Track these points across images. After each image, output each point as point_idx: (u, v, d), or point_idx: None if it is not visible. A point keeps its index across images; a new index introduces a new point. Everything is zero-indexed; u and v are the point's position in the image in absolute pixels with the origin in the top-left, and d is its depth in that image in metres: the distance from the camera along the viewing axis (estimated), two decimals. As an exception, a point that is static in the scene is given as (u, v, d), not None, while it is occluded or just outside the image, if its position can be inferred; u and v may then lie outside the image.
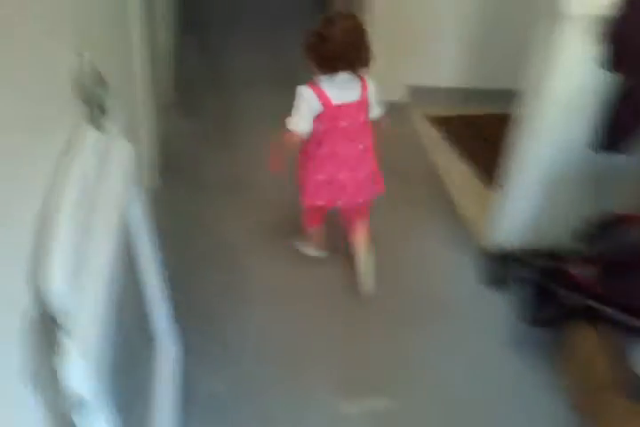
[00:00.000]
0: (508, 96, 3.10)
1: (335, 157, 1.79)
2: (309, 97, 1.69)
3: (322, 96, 1.70)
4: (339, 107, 1.72)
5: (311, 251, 2.09)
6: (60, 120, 1.01)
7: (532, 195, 1.96)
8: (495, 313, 1.91)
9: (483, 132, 2.90)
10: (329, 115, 1.72)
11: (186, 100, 3.05)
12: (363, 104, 1.77)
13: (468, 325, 1.89)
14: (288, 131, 1.73)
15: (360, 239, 1.96)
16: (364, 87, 1.76)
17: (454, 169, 2.64)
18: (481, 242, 2.16)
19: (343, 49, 1.66)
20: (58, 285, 0.76)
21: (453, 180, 2.57)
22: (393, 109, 3.04)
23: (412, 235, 2.26)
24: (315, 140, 1.77)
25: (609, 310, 1.55)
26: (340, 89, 1.71)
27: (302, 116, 1.71)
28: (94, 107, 1.16)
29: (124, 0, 1.84)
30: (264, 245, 2.15)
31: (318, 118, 1.72)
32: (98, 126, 1.14)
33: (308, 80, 1.71)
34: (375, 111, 1.83)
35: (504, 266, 1.98)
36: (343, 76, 1.70)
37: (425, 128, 2.97)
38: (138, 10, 1.97)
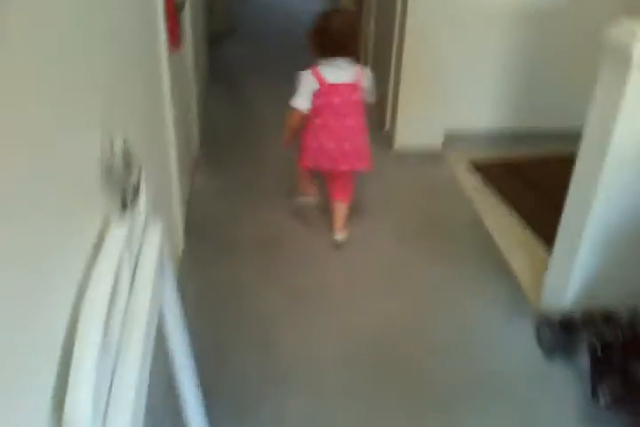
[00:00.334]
0: (549, 137, 3.06)
1: (327, 128, 2.16)
2: (307, 77, 2.09)
3: (318, 76, 2.09)
4: (333, 85, 2.10)
5: (307, 200, 2.43)
6: (90, 210, 0.93)
7: (593, 253, 1.81)
8: (561, 391, 1.73)
9: (526, 178, 2.78)
10: (324, 92, 2.10)
11: (213, 154, 2.98)
12: (356, 86, 2.12)
13: (528, 405, 1.70)
14: (292, 109, 2.12)
15: (339, 208, 2.34)
16: (358, 72, 2.12)
17: (499, 220, 2.51)
18: (537, 304, 2.01)
19: (340, 38, 2.07)
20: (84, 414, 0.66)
21: (500, 232, 2.43)
22: (430, 156, 2.99)
23: (458, 295, 2.10)
24: (312, 113, 2.14)
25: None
26: (336, 71, 2.09)
27: (302, 95, 2.10)
28: (125, 192, 1.07)
29: (156, 60, 1.78)
30: (300, 314, 2.01)
31: (315, 95, 2.10)
32: (128, 211, 1.05)
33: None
34: (370, 97, 2.20)
35: (568, 333, 1.82)
36: (339, 61, 2.09)
37: (465, 175, 2.85)
38: (168, 67, 1.91)
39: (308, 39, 2.11)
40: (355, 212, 2.47)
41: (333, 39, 2.07)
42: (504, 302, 2.06)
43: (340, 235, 2.34)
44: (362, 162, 2.25)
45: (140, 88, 1.55)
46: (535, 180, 2.76)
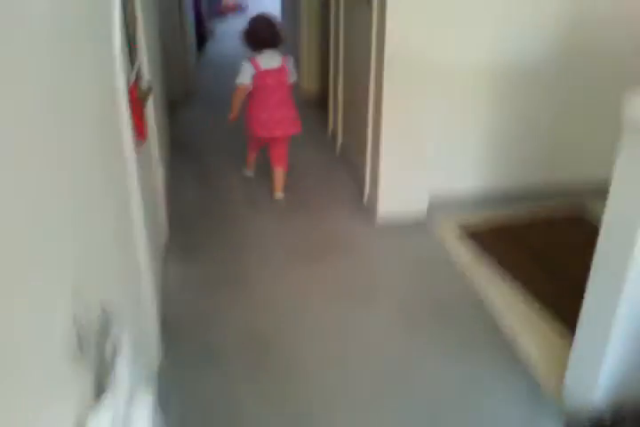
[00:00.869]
0: (540, 195, 2.99)
1: (262, 103, 2.96)
2: (247, 65, 2.89)
3: (255, 64, 2.89)
4: (266, 71, 2.90)
5: (247, 172, 3.38)
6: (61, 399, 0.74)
7: (626, 342, 1.66)
8: None
9: (523, 243, 2.67)
10: (259, 75, 2.90)
11: (182, 237, 2.79)
12: (282, 70, 2.93)
13: None
14: (238, 85, 2.93)
15: (278, 173, 3.12)
16: (283, 60, 2.93)
17: (502, 295, 2.36)
18: (560, 400, 1.84)
19: (266, 35, 2.90)
20: None
21: (505, 311, 2.27)
22: (417, 224, 2.86)
23: (471, 394, 1.92)
24: (251, 93, 2.95)
25: None
26: (267, 60, 2.90)
27: (244, 75, 2.90)
28: (102, 366, 0.89)
29: (122, 162, 1.61)
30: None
31: (254, 78, 2.90)
32: (109, 390, 0.86)
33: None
34: (293, 77, 3.00)
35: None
36: (269, 52, 2.90)
37: (457, 243, 2.72)
38: (135, 165, 1.74)
39: (243, 40, 2.95)
40: (345, 297, 2.33)
41: (260, 37, 2.90)
42: (522, 398, 1.89)
43: (279, 194, 3.12)
44: (292, 128, 3.06)
45: (109, 204, 1.38)
46: (533, 244, 2.65)
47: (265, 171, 3.38)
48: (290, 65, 2.95)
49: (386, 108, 2.70)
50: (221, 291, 2.42)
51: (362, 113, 3.00)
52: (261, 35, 2.90)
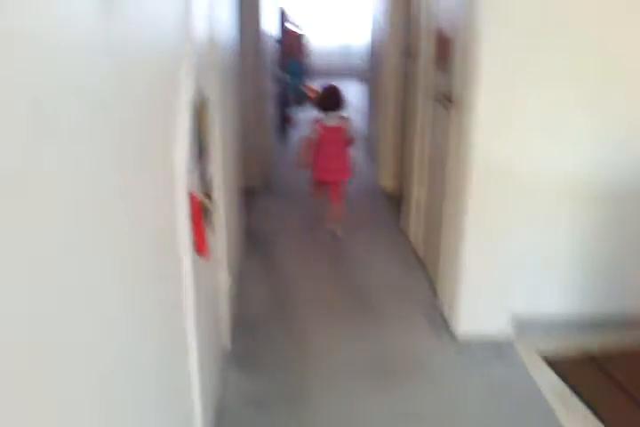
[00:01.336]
0: (633, 324, 2.67)
1: (323, 153, 3.70)
2: (314, 123, 3.70)
3: (320, 124, 3.68)
4: (327, 129, 3.67)
5: (318, 201, 4.01)
6: None
7: None
8: None
9: (609, 374, 2.36)
10: (322, 133, 3.67)
11: (245, 343, 2.64)
12: (340, 130, 3.69)
13: None
14: (306, 137, 3.74)
15: (335, 209, 3.83)
16: (342, 120, 3.70)
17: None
18: None
19: (330, 104, 3.71)
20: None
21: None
22: (496, 347, 2.60)
23: None
24: (316, 145, 3.69)
25: None
26: (329, 121, 3.67)
27: (311, 132, 3.69)
28: None
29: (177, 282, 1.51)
30: None
31: (318, 133, 3.67)
32: None
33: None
34: (351, 134, 3.74)
35: None
36: (331, 114, 3.68)
37: (540, 371, 2.44)
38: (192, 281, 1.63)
39: (314, 103, 3.94)
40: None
41: (327, 103, 3.72)
42: None
43: (334, 225, 3.84)
44: (344, 175, 3.83)
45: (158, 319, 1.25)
46: (623, 378, 2.34)
47: (337, 283, 3.25)
48: (348, 125, 3.73)
49: (467, 221, 2.53)
50: (282, 412, 2.22)
51: (440, 220, 2.84)
52: (328, 102, 3.72)
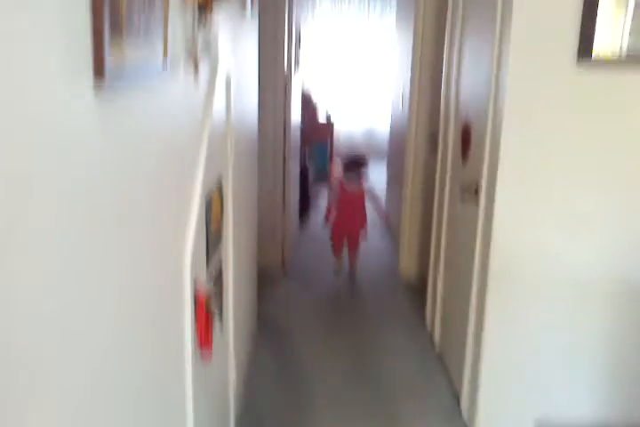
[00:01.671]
0: None
1: (343, 212, 4.39)
2: (336, 186, 4.47)
3: (342, 186, 4.37)
4: (348, 192, 4.35)
5: (337, 265, 4.55)
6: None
7: None
8: None
9: None
10: (343, 193, 4.37)
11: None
12: (359, 192, 4.38)
13: None
14: (329, 206, 4.61)
15: (353, 260, 4.55)
16: (362, 185, 4.38)
17: None
18: None
19: (352, 170, 4.35)
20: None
21: None
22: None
23: None
24: (336, 205, 4.41)
25: None
26: (349, 185, 4.35)
27: (334, 191, 4.55)
28: None
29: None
30: None
31: (339, 196, 4.40)
32: None
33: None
34: (370, 195, 4.49)
35: None
36: (354, 180, 4.34)
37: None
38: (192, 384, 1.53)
39: (341, 166, 4.50)
40: None
41: (349, 169, 4.37)
42: None
43: (354, 271, 4.54)
44: (359, 236, 4.48)
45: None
46: None
47: (352, 378, 3.10)
48: (366, 186, 4.46)
49: (487, 319, 2.42)
50: None
51: (462, 313, 2.72)
52: (350, 168, 4.41)
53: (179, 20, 1.35)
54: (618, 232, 2.40)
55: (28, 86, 0.66)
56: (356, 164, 4.38)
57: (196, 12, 1.50)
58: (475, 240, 2.55)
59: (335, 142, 8.22)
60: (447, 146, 3.21)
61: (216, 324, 1.96)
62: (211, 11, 1.56)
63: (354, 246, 4.50)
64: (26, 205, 0.65)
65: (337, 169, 7.30)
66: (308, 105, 6.73)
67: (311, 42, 8.50)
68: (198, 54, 1.49)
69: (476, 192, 2.56)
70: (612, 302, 2.44)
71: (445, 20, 3.28)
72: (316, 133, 7.11)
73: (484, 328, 2.45)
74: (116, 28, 0.89)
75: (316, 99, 7.90)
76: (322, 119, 7.95)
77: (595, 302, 2.44)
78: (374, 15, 8.69)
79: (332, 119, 8.22)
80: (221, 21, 1.94)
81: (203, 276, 1.72)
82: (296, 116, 4.93)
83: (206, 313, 1.62)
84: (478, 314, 2.53)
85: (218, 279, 2.03)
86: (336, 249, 4.54)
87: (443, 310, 3.27)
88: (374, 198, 4.50)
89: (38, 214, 0.68)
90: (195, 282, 1.56)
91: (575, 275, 2.42)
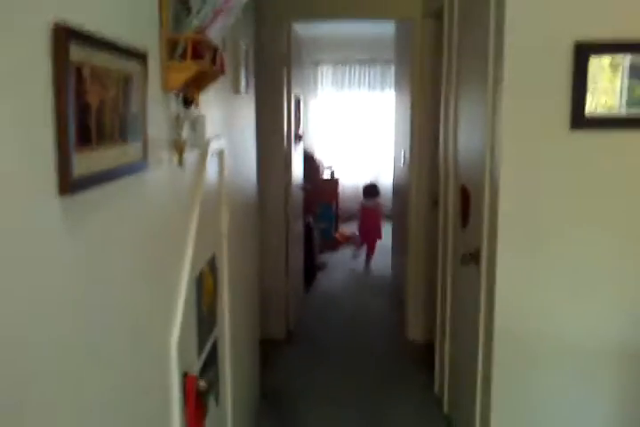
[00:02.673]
0: None
1: (364, 224, 6.74)
2: (360, 206, 6.93)
3: (363, 206, 6.82)
4: (366, 209, 6.76)
5: (356, 251, 6.85)
6: None
7: None
8: None
9: None
10: (364, 209, 6.80)
11: None
12: (376, 209, 6.76)
13: None
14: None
15: (370, 255, 6.56)
16: (377, 202, 6.77)
17: None
18: None
19: (368, 194, 6.81)
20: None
21: None
22: None
23: None
24: (361, 218, 6.84)
25: None
26: (367, 203, 6.76)
27: (358, 211, 7.06)
28: None
29: None
30: None
31: (361, 211, 6.86)
32: None
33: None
34: (383, 209, 6.93)
35: None
36: (370, 199, 6.77)
37: None
38: None
39: (362, 195, 6.85)
40: None
41: (366, 193, 6.77)
42: None
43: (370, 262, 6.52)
44: (377, 238, 6.57)
45: None
46: None
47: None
48: (379, 203, 6.73)
49: (496, 383, 2.36)
50: None
51: (470, 375, 2.65)
52: (368, 194, 6.74)
53: (160, 110, 1.37)
54: (623, 294, 2.35)
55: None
56: (371, 191, 6.76)
57: (180, 100, 1.53)
58: (478, 304, 2.51)
59: (340, 202, 8.27)
60: (447, 210, 3.21)
61: (211, 409, 1.91)
62: (194, 100, 1.59)
63: (372, 247, 6.56)
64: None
65: (343, 231, 7.45)
66: (311, 165, 6.82)
67: (315, 108, 8.80)
68: (183, 140, 1.51)
69: (477, 257, 2.54)
70: (620, 367, 2.38)
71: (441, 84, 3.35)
72: (321, 195, 7.16)
73: (492, 392, 2.39)
74: (86, 137, 0.90)
75: (319, 157, 8.01)
76: (326, 176, 8.06)
77: (603, 367, 2.38)
78: (375, 84, 8.91)
79: (336, 175, 8.33)
80: (212, 101, 1.97)
81: (194, 364, 1.68)
82: (298, 177, 4.97)
83: (198, 407, 1.58)
84: (485, 378, 2.47)
85: (213, 360, 1.99)
86: (358, 246, 6.79)
87: (450, 372, 3.20)
88: (382, 213, 6.83)
89: (10, 329, 0.68)
90: (185, 375, 1.53)
91: (581, 339, 2.37)
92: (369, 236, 6.54)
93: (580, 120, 2.25)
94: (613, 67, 2.24)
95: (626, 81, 2.23)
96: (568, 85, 2.23)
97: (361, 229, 6.71)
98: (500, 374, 2.38)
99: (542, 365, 2.38)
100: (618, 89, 2.24)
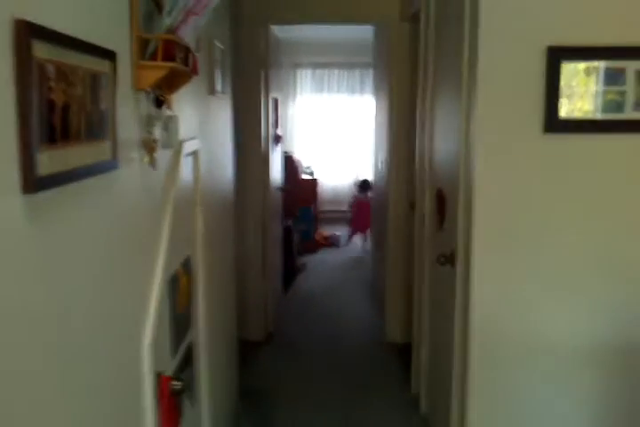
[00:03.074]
0: None
1: (358, 212, 7.44)
2: (354, 198, 7.92)
3: (356, 197, 7.82)
4: (360, 200, 7.54)
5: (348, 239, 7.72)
6: None
7: None
8: None
9: None
10: (357, 200, 7.67)
11: None
12: (367, 200, 7.22)
13: None
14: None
15: (363, 234, 7.47)
16: (367, 196, 7.34)
17: None
18: None
19: (363, 186, 7.64)
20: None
21: None
22: None
23: None
24: (355, 208, 7.64)
25: None
26: (360, 195, 7.63)
27: (352, 202, 7.98)
28: None
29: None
30: None
31: (355, 203, 7.73)
32: None
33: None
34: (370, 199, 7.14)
35: None
36: (363, 193, 7.57)
37: None
38: None
39: (356, 189, 7.96)
40: None
41: (361, 190, 7.61)
42: None
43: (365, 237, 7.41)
44: (367, 226, 6.98)
45: None
46: None
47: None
48: (370, 197, 6.79)
49: (472, 384, 2.37)
50: None
51: (447, 376, 2.66)
52: (361, 189, 7.51)
53: (130, 110, 1.36)
54: (598, 295, 2.36)
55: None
56: (363, 186, 7.49)
57: (152, 99, 1.51)
58: (454, 305, 2.52)
59: (319, 204, 8.29)
60: (423, 212, 3.22)
61: (187, 411, 1.90)
62: (166, 100, 1.58)
63: (364, 233, 7.35)
64: None
65: (322, 234, 7.45)
66: (290, 165, 6.80)
67: (295, 111, 8.84)
68: (154, 140, 1.50)
69: (453, 259, 2.55)
70: (595, 367, 2.39)
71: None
72: (300, 195, 7.15)
73: (468, 392, 2.39)
74: (51, 135, 0.88)
75: (298, 158, 8.02)
76: (306, 181, 8.04)
77: (579, 367, 2.39)
78: (354, 88, 8.94)
79: (315, 175, 8.39)
80: (185, 101, 1.96)
81: (168, 365, 1.67)
82: (276, 178, 4.96)
83: (172, 408, 1.56)
84: (461, 378, 2.47)
85: (188, 361, 1.98)
86: (352, 234, 7.59)
87: (428, 372, 3.21)
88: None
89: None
90: (158, 375, 1.52)
91: (557, 339, 2.38)
92: (360, 224, 7.30)
93: (552, 124, 2.27)
94: (588, 72, 2.27)
95: (601, 86, 2.25)
96: (541, 89, 2.25)
97: (354, 218, 7.47)
98: (476, 374, 2.39)
99: (518, 365, 2.39)
100: (592, 94, 2.27)
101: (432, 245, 3.07)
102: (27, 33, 0.79)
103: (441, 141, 2.94)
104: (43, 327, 0.90)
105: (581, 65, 2.25)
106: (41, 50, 0.83)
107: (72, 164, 0.97)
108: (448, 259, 2.60)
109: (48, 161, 0.87)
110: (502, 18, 2.24)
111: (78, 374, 1.04)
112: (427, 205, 3.15)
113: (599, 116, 2.27)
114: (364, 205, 7.19)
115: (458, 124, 2.50)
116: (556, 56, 2.23)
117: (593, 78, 2.26)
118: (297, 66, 8.80)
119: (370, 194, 7.03)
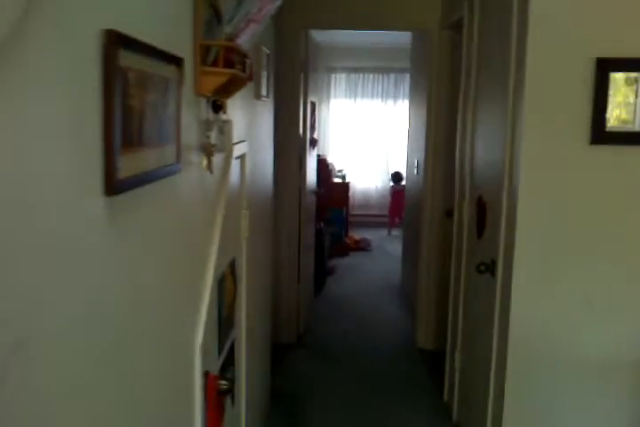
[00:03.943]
0: None
1: (395, 202, 8.31)
2: (391, 188, 8.63)
3: (393, 187, 8.56)
4: (396, 190, 8.30)
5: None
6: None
7: None
8: None
9: None
10: (393, 190, 8.50)
11: None
12: (401, 189, 7.53)
13: None
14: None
15: (396, 220, 8.38)
16: (401, 185, 8.04)
17: None
18: None
19: (397, 177, 8.44)
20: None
21: None
22: None
23: None
24: (391, 198, 8.60)
25: None
26: (396, 185, 8.41)
27: (390, 192, 8.77)
28: None
29: None
30: None
31: (392, 192, 8.57)
32: None
33: None
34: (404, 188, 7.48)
35: None
36: (397, 183, 8.47)
37: None
38: None
39: (391, 179, 8.58)
40: None
41: (395, 180, 8.39)
42: None
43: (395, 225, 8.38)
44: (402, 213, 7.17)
45: None
46: None
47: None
48: (404, 186, 6.60)
49: (509, 397, 2.36)
50: None
51: (482, 387, 2.65)
52: (395, 179, 8.29)
53: (192, 114, 1.39)
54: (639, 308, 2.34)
55: (40, 205, 0.68)
56: (398, 177, 8.14)
57: (210, 105, 1.54)
58: (493, 314, 2.51)
59: (351, 208, 8.32)
60: (462, 219, 3.21)
61: (227, 409, 1.92)
62: (223, 105, 1.61)
63: (400, 218, 7.65)
64: (40, 320, 0.66)
65: (352, 237, 7.45)
66: (323, 168, 6.83)
67: (328, 114, 8.88)
68: (211, 143, 1.52)
69: (493, 268, 2.54)
70: (634, 381, 2.36)
71: (458, 95, 3.36)
72: (332, 198, 7.17)
73: (505, 403, 2.38)
74: (129, 139, 0.91)
75: (331, 161, 8.07)
76: (338, 184, 8.07)
77: (618, 380, 2.37)
78: (388, 92, 8.93)
79: (347, 179, 8.43)
80: (237, 106, 1.99)
81: (215, 364, 1.69)
82: (311, 181, 4.98)
83: (218, 407, 1.59)
84: (498, 388, 2.46)
85: (230, 361, 2.00)
86: (390, 225, 8.34)
87: (460, 380, 3.19)
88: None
89: (50, 328, 0.69)
90: (206, 374, 1.54)
91: (596, 351, 2.36)
92: (396, 212, 8.02)
93: (600, 135, 2.26)
94: (629, 82, 2.25)
95: (640, 96, 2.24)
96: (589, 100, 2.23)
97: (391, 206, 8.28)
98: (513, 385, 2.37)
99: (556, 377, 2.37)
100: (632, 103, 2.25)
101: (470, 253, 3.06)
102: (115, 42, 0.82)
103: (482, 150, 2.93)
104: (117, 323, 0.93)
105: (621, 75, 2.23)
106: (125, 58, 0.86)
107: (144, 167, 0.99)
108: (488, 267, 2.59)
109: (126, 164, 0.89)
110: (550, 29, 2.24)
111: (136, 370, 1.06)
112: (466, 212, 3.14)
113: (638, 127, 2.25)
114: (399, 194, 7.66)
115: (502, 133, 2.49)
116: (605, 67, 2.22)
117: (634, 88, 2.24)
118: (331, 70, 8.82)
119: (403, 183, 7.43)
